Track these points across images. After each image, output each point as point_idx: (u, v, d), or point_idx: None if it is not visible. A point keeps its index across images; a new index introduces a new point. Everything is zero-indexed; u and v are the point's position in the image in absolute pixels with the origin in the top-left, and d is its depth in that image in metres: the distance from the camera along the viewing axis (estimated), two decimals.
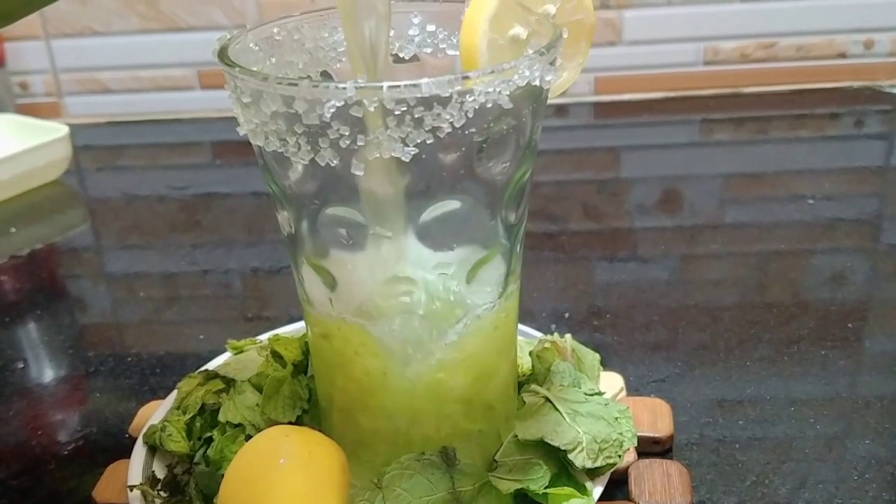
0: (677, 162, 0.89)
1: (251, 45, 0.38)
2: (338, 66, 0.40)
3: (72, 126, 0.89)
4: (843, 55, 1.00)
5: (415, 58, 0.42)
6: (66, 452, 0.52)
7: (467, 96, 0.32)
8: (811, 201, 0.76)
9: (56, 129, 0.87)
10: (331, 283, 0.38)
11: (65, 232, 0.82)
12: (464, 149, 0.34)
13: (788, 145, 0.91)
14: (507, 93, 0.32)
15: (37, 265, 0.76)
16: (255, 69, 0.36)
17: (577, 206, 0.80)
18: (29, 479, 0.50)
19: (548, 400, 0.42)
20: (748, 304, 0.62)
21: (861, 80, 1.01)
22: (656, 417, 0.49)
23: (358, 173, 0.33)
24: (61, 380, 0.60)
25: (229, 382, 0.47)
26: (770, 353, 0.56)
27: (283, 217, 0.39)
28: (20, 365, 0.61)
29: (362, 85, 0.31)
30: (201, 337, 0.63)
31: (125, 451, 0.47)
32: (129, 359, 0.60)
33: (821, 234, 0.71)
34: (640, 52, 1.00)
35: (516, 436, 0.40)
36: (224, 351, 0.53)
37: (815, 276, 0.65)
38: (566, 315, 0.62)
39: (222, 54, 0.35)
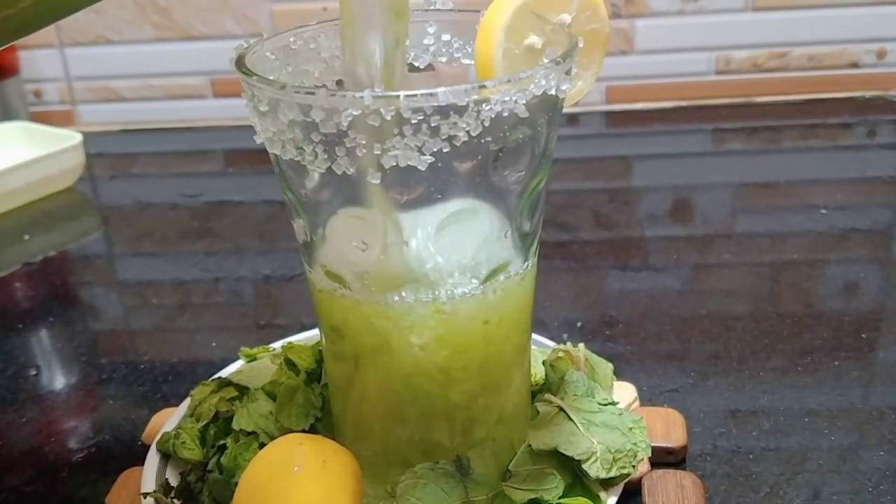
0: (689, 171, 0.89)
1: (267, 53, 0.38)
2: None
3: (85, 134, 0.90)
4: (855, 65, 1.00)
5: (430, 67, 0.42)
6: (78, 459, 0.52)
7: (484, 105, 0.32)
8: (824, 211, 0.76)
9: (69, 137, 0.88)
10: (346, 290, 0.38)
11: (78, 239, 0.82)
12: (480, 157, 0.34)
13: (800, 155, 0.90)
14: (524, 102, 0.33)
15: (50, 272, 0.76)
16: (271, 78, 0.36)
17: (589, 216, 0.80)
18: (42, 486, 0.50)
19: (561, 409, 0.42)
20: (761, 315, 0.62)
21: (873, 90, 1.00)
22: (670, 428, 0.48)
23: (374, 182, 0.33)
24: (74, 387, 0.60)
25: (242, 390, 0.47)
26: (783, 364, 0.56)
27: (299, 225, 0.39)
28: (33, 372, 0.61)
29: (379, 94, 0.31)
30: (214, 344, 0.63)
31: (138, 459, 0.47)
32: (142, 366, 0.60)
33: (834, 244, 0.71)
34: (651, 61, 1.00)
35: (530, 445, 0.40)
36: (237, 358, 0.53)
37: (828, 287, 0.65)
38: (578, 324, 0.62)
39: (239, 63, 0.35)
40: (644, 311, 0.63)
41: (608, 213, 0.80)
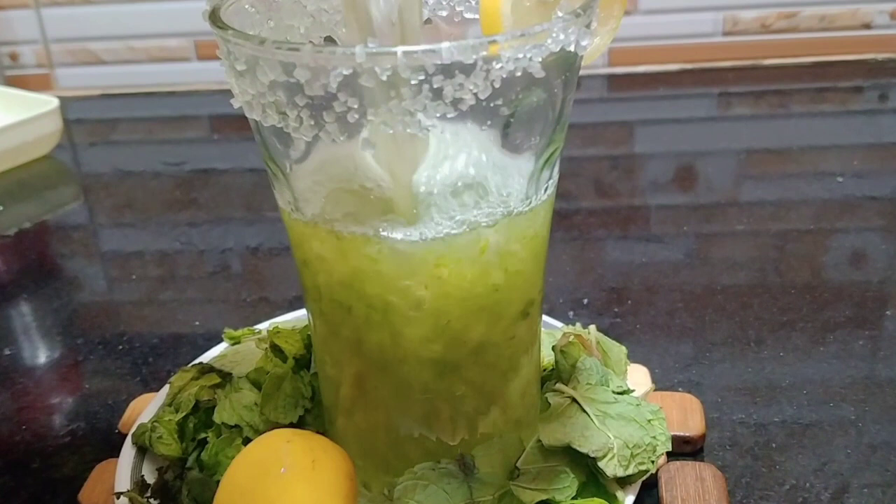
0: (695, 137, 0.86)
1: (247, 6, 0.34)
2: (343, 31, 0.36)
3: (63, 99, 0.86)
4: (867, 26, 0.96)
5: (428, 22, 0.38)
6: (52, 449, 0.49)
7: (494, 63, 0.28)
8: (840, 179, 0.72)
9: (46, 102, 0.84)
10: (340, 272, 0.34)
11: (55, 210, 0.78)
12: (489, 123, 0.30)
13: (810, 120, 0.87)
14: (539, 60, 0.28)
15: (25, 245, 0.72)
16: (251, 33, 0.32)
17: (590, 184, 0.76)
18: (12, 479, 0.47)
19: (574, 401, 0.38)
20: (778, 290, 0.58)
21: (886, 53, 0.97)
22: (686, 415, 0.45)
23: (368, 151, 0.29)
24: (48, 369, 0.56)
25: (225, 377, 0.43)
26: (805, 343, 0.53)
27: (283, 199, 0.35)
28: (7, 352, 0.57)
29: (373, 50, 0.27)
30: (197, 323, 0.59)
31: (115, 449, 0.44)
32: (121, 347, 0.57)
33: (851, 213, 0.68)
34: (656, 21, 0.96)
35: (540, 441, 0.37)
36: (221, 337, 0.50)
37: (848, 259, 0.61)
38: (584, 301, 0.58)
39: (214, 16, 0.31)
40: (653, 286, 0.60)
41: (611, 181, 0.76)
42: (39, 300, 0.64)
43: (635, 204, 0.72)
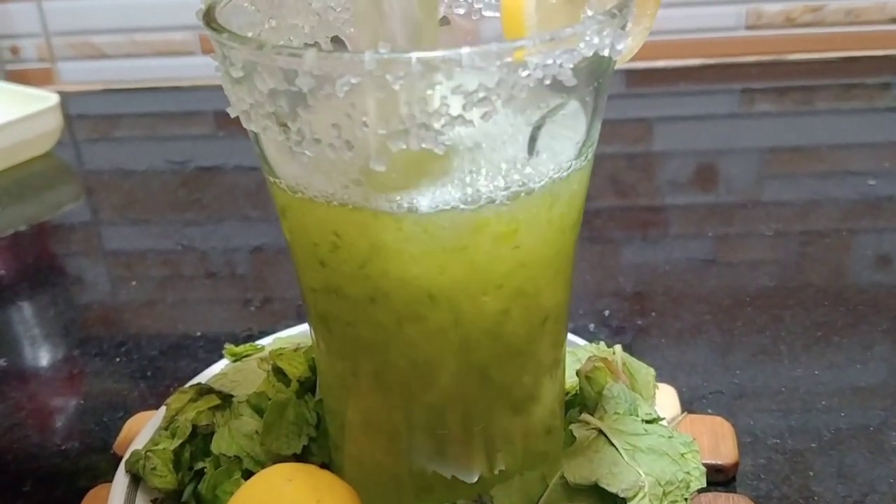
0: (716, 134, 0.83)
1: (246, 4, 0.31)
2: (352, 30, 0.33)
3: (65, 94, 0.84)
4: (895, 20, 0.93)
5: (444, 20, 0.35)
6: (44, 471, 0.46)
7: (520, 70, 0.25)
8: (872, 182, 0.69)
9: (46, 98, 0.82)
10: (351, 302, 0.31)
11: (54, 210, 0.76)
12: (513, 135, 0.27)
13: (836, 117, 0.85)
14: (570, 66, 0.25)
15: (23, 247, 0.69)
16: (248, 35, 0.29)
17: (608, 183, 0.73)
18: (2, 502, 0.44)
19: (601, 433, 0.35)
20: (810, 300, 0.55)
21: None
22: (718, 440, 0.42)
23: (379, 168, 0.26)
24: (43, 383, 0.54)
25: (225, 398, 0.41)
26: (842, 360, 0.50)
27: (287, 218, 0.32)
28: (1, 363, 0.55)
29: (385, 55, 0.24)
30: (198, 333, 0.57)
31: (110, 471, 0.41)
32: (119, 359, 0.54)
33: (880, 214, 0.64)
34: (676, 15, 0.93)
35: (564, 478, 0.34)
36: (223, 349, 0.47)
37: (886, 268, 0.58)
38: (606, 313, 0.55)
39: (208, 16, 0.28)
40: (677, 296, 0.57)
41: (630, 180, 0.73)
42: (37, 306, 0.62)
43: (655, 204, 0.70)
